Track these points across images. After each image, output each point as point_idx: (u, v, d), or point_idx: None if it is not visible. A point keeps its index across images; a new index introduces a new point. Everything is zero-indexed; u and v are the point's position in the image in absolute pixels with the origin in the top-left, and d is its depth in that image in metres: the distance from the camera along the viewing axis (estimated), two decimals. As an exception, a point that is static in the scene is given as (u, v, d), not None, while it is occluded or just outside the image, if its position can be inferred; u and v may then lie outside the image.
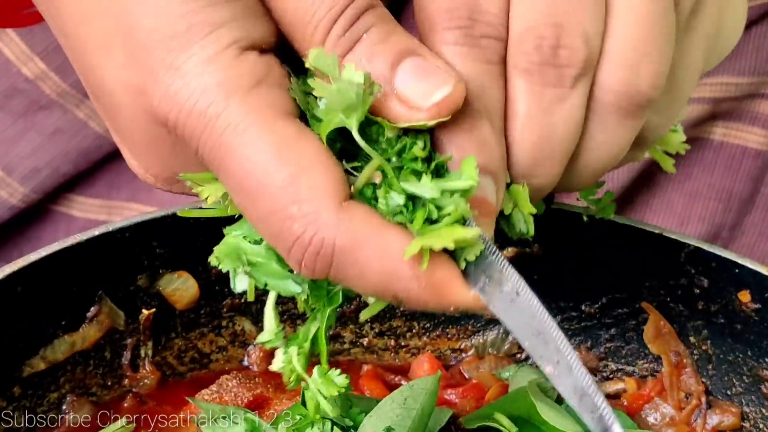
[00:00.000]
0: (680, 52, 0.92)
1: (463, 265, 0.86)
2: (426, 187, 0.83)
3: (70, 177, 1.41)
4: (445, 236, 0.83)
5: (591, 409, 0.83)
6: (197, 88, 0.81)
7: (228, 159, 0.82)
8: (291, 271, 0.89)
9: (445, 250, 0.84)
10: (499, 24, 0.86)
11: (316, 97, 0.85)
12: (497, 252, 0.86)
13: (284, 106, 0.84)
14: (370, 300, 0.92)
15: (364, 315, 0.96)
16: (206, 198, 0.90)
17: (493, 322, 1.26)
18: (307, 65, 0.84)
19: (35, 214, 1.43)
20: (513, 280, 0.86)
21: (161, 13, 0.82)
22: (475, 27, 0.85)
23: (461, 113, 0.84)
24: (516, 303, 0.86)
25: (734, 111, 1.44)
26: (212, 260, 0.91)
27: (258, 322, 1.23)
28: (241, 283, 0.92)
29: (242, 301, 1.22)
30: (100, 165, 1.42)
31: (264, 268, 0.91)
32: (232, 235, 0.91)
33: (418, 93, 0.83)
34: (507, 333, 1.26)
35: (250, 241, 0.91)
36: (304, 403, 1.00)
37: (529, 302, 0.85)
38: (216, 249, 0.91)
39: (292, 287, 0.91)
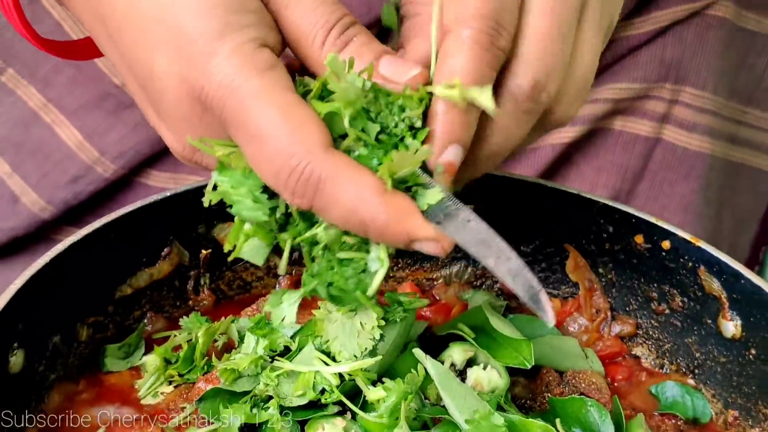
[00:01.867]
0: (577, 43, 0.91)
1: (425, 207, 0.86)
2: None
3: (147, 157, 1.40)
4: (404, 161, 0.84)
5: (523, 282, 0.86)
6: (225, 68, 0.83)
7: (246, 118, 0.83)
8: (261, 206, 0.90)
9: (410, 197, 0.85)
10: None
11: (308, 92, 0.88)
12: (452, 198, 0.87)
13: (288, 84, 0.85)
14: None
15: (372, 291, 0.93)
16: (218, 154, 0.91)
17: (457, 258, 1.26)
18: (325, 63, 0.85)
19: (123, 184, 1.42)
20: (465, 213, 0.87)
21: (201, 17, 0.84)
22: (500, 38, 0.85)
23: None
24: (467, 227, 0.86)
25: (629, 108, 1.45)
26: (205, 201, 0.92)
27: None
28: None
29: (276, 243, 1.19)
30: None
31: (242, 203, 0.90)
32: (221, 182, 0.91)
33: (396, 73, 0.85)
34: (467, 266, 1.26)
35: (233, 188, 0.90)
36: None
37: (478, 225, 0.87)
38: (207, 192, 0.91)
39: (260, 216, 0.90)
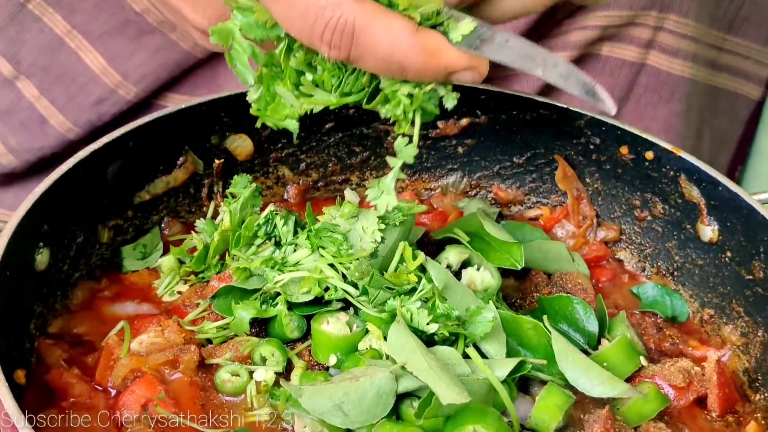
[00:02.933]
0: None
1: (459, 39, 0.82)
2: None
3: (166, 80, 1.38)
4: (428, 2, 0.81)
5: (576, 81, 0.83)
6: None
7: None
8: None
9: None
10: None
11: None
12: (486, 25, 0.83)
13: None
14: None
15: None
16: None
17: (453, 169, 1.23)
18: None
19: (144, 107, 1.40)
20: (502, 35, 0.83)
21: None
22: None
23: None
24: (506, 46, 0.83)
25: (616, 35, 1.41)
26: (210, 31, 0.87)
27: (293, 169, 1.21)
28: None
29: (283, 154, 1.19)
30: (187, 72, 1.38)
31: (238, 54, 0.87)
32: (231, 23, 0.87)
33: None
34: (463, 177, 1.23)
35: (243, 29, 0.86)
36: None
37: (517, 41, 0.83)
38: (215, 26, 0.87)
39: (246, 74, 0.88)
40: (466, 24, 0.83)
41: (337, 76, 0.87)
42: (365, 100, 0.88)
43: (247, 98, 0.89)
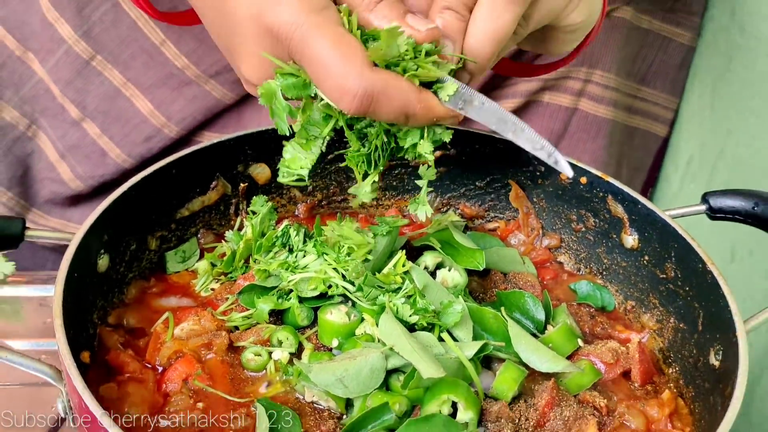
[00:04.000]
0: None
1: (446, 98, 0.83)
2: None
3: (201, 122, 1.35)
4: (427, 72, 0.82)
5: (540, 147, 0.82)
6: (290, 9, 0.80)
7: (307, 49, 0.80)
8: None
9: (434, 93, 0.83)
10: None
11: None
12: (468, 88, 0.83)
13: (338, 20, 0.82)
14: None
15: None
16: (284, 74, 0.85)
17: (429, 191, 1.17)
18: (384, 28, 0.81)
19: (184, 142, 1.37)
20: (479, 98, 0.83)
21: None
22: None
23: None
24: (483, 108, 0.83)
25: (554, 85, 1.41)
26: (259, 91, 0.86)
27: (302, 191, 1.18)
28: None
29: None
30: (218, 116, 1.36)
31: (278, 111, 0.86)
32: (274, 83, 0.85)
33: (420, 24, 0.82)
34: (437, 196, 1.20)
35: (285, 89, 0.85)
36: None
37: (492, 106, 0.83)
38: (262, 86, 0.86)
39: (284, 126, 0.87)
40: (450, 85, 0.83)
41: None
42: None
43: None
